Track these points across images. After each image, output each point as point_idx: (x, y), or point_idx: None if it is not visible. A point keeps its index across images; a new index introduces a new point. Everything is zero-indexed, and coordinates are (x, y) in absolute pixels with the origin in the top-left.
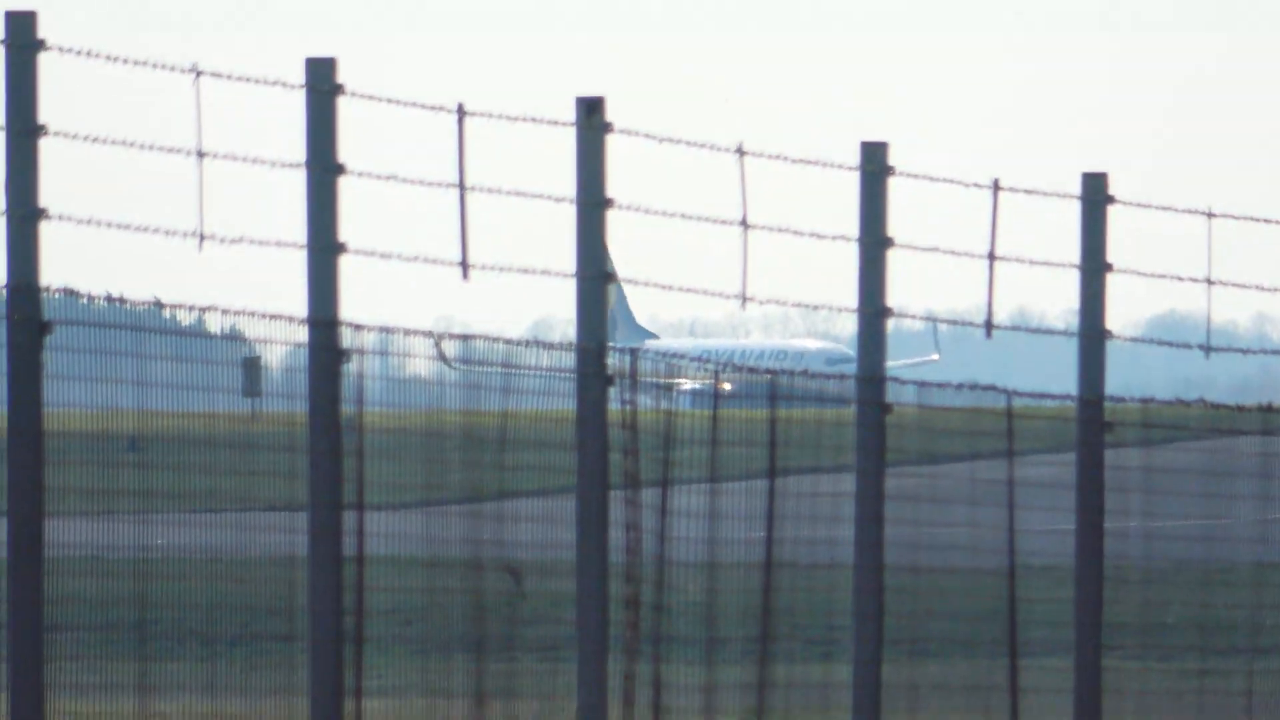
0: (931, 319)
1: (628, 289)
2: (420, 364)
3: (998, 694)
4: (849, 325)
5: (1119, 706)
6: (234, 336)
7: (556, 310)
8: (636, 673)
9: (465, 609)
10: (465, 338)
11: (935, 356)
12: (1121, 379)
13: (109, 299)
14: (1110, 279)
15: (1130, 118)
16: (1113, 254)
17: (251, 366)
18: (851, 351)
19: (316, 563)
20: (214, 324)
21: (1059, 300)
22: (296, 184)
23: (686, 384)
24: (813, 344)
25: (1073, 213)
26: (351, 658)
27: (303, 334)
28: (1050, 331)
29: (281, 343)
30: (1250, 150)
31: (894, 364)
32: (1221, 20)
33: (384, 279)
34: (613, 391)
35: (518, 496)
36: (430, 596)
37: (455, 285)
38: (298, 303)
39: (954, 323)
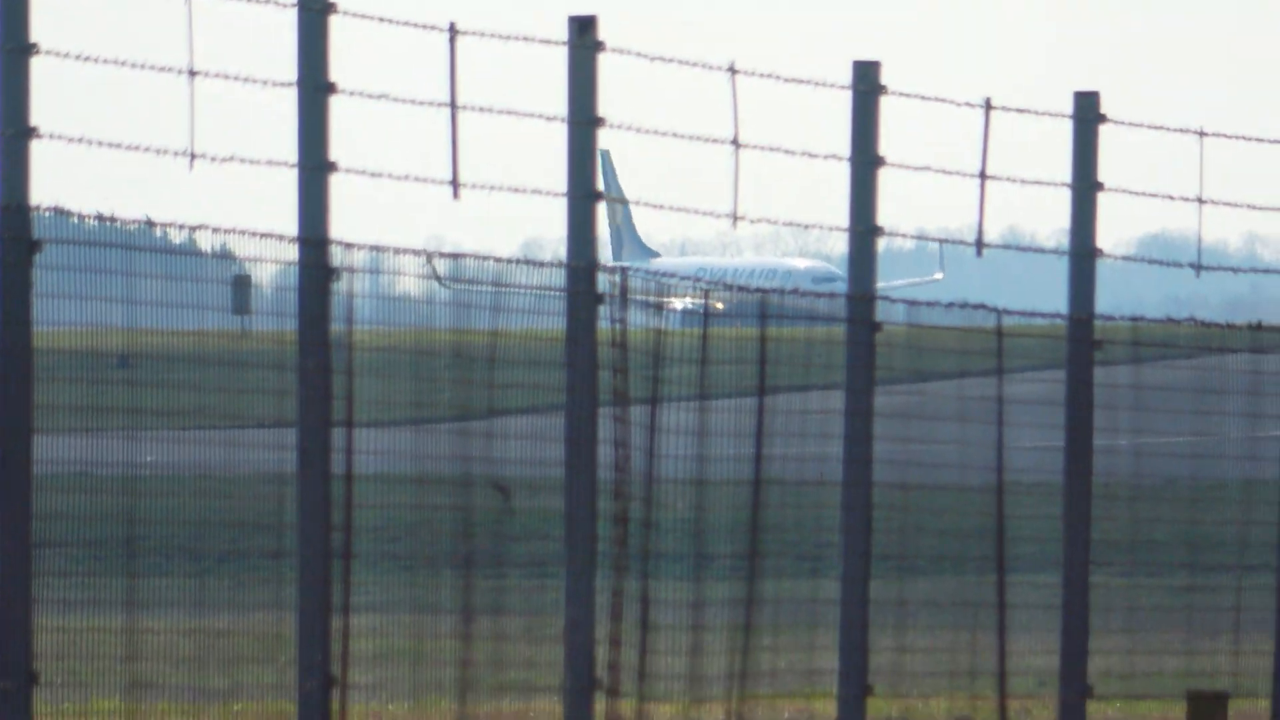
0: (924, 238)
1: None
2: (410, 283)
3: (986, 610)
4: (840, 244)
5: (1107, 622)
6: (224, 255)
7: (547, 231)
8: (624, 589)
9: (453, 526)
10: (456, 256)
11: (939, 275)
12: (1111, 298)
13: (99, 218)
14: (1101, 198)
15: (1124, 38)
16: (1104, 173)
17: (241, 285)
18: (839, 270)
19: (306, 479)
20: (204, 242)
21: (1049, 220)
22: (288, 104)
23: (677, 303)
24: (801, 263)
25: (1065, 132)
26: (340, 574)
27: (293, 252)
28: (1041, 250)
29: (272, 261)
30: (1243, 70)
31: (896, 283)
32: None
33: (375, 199)
34: (603, 310)
35: (507, 414)
36: (419, 513)
37: (446, 205)
38: (288, 222)
39: (945, 241)
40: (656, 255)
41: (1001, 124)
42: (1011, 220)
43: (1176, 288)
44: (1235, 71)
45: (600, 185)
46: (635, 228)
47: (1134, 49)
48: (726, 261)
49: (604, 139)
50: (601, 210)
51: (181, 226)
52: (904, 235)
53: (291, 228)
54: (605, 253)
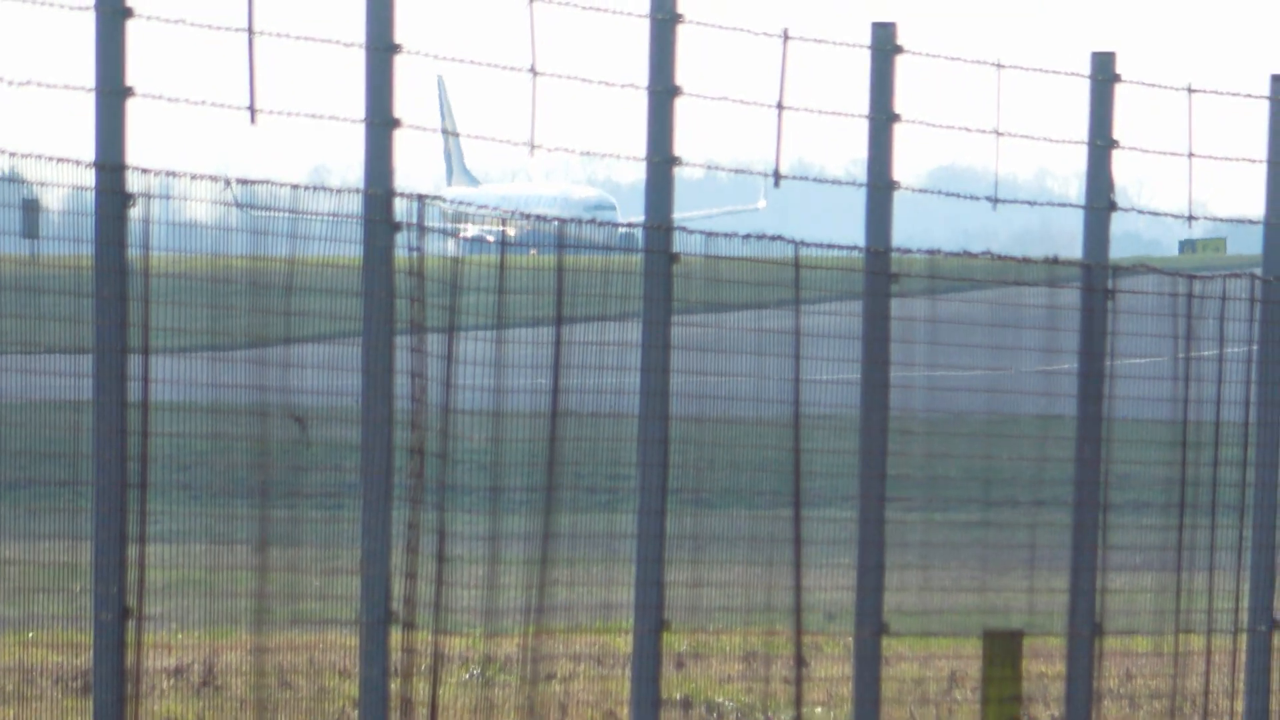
0: (720, 168)
1: (413, 134)
2: (203, 209)
3: (781, 545)
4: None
5: (902, 557)
6: (13, 179)
7: (335, 158)
8: (420, 521)
9: (249, 455)
10: (253, 183)
11: (761, 204)
12: (904, 231)
13: None
14: (896, 129)
15: None
16: (899, 105)
17: (30, 209)
18: (611, 198)
19: (101, 407)
20: None
21: (840, 152)
22: (86, 28)
23: (470, 230)
24: (579, 191)
25: (862, 64)
26: (135, 503)
27: (88, 177)
28: (838, 182)
29: (63, 185)
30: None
31: (715, 211)
32: None
33: (167, 124)
34: (400, 238)
35: (303, 342)
36: (214, 442)
37: (236, 131)
38: (83, 147)
39: (739, 172)
40: (478, 183)
41: (799, 53)
42: (800, 152)
43: (967, 221)
44: (1036, 5)
45: (400, 110)
46: (464, 156)
47: None
48: (518, 189)
49: (402, 66)
50: (399, 136)
51: None
52: (700, 165)
53: (85, 152)
54: (439, 179)
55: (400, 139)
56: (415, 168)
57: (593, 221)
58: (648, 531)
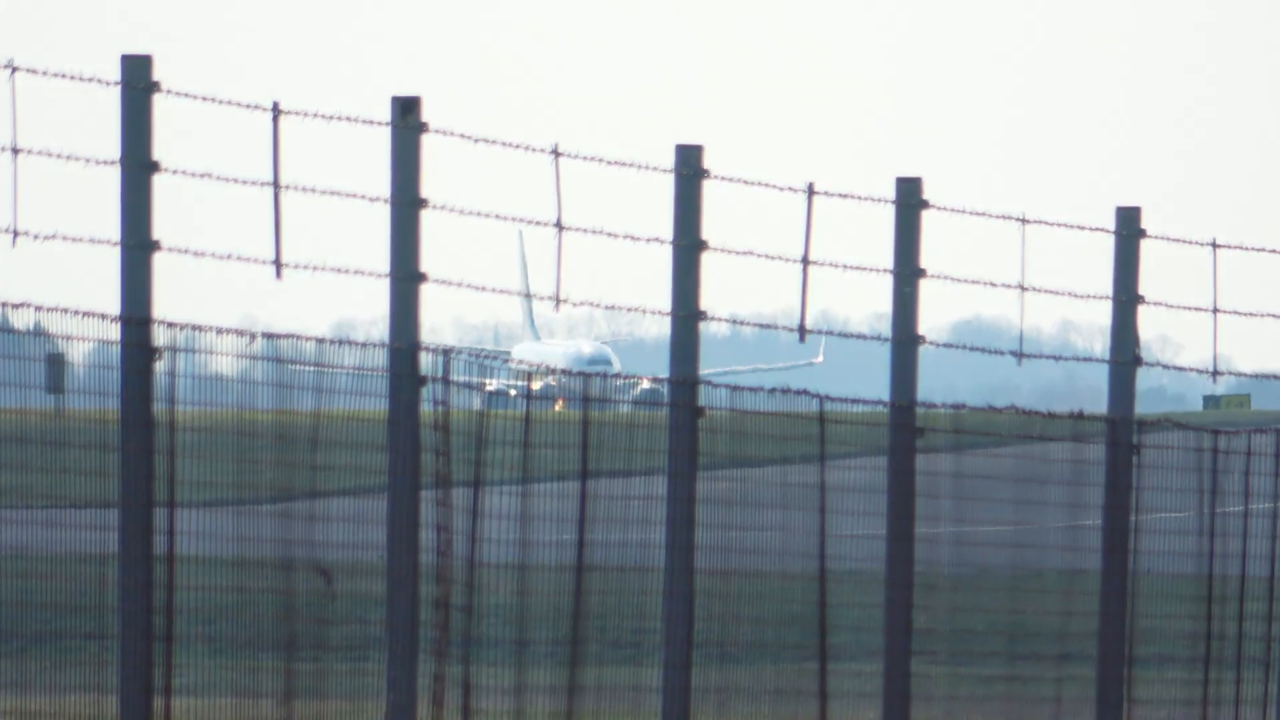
0: (744, 323)
1: (437, 289)
2: (227, 362)
3: (806, 698)
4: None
5: (927, 711)
6: (38, 333)
7: (359, 312)
8: (446, 674)
9: (274, 608)
10: (277, 336)
11: (819, 359)
12: (927, 384)
13: None
14: (920, 283)
15: (945, 123)
16: (921, 259)
17: (55, 363)
18: (608, 351)
19: (127, 560)
20: (20, 321)
21: (863, 305)
22: (112, 182)
23: (490, 385)
24: (587, 346)
25: (885, 218)
26: (161, 656)
27: (111, 331)
28: (863, 336)
29: (87, 339)
30: (1066, 156)
31: (773, 367)
32: (1042, 23)
33: (188, 277)
34: (426, 392)
35: (329, 496)
36: (240, 595)
37: (259, 284)
38: (108, 300)
39: (764, 326)
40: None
41: (824, 207)
42: (825, 305)
43: (990, 375)
44: (1056, 158)
45: (421, 266)
46: (533, 312)
47: (957, 136)
48: (542, 346)
49: (426, 220)
50: (424, 291)
51: (0, 304)
52: (725, 320)
53: (110, 305)
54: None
55: (426, 293)
56: (506, 324)
57: (616, 376)
58: (673, 685)
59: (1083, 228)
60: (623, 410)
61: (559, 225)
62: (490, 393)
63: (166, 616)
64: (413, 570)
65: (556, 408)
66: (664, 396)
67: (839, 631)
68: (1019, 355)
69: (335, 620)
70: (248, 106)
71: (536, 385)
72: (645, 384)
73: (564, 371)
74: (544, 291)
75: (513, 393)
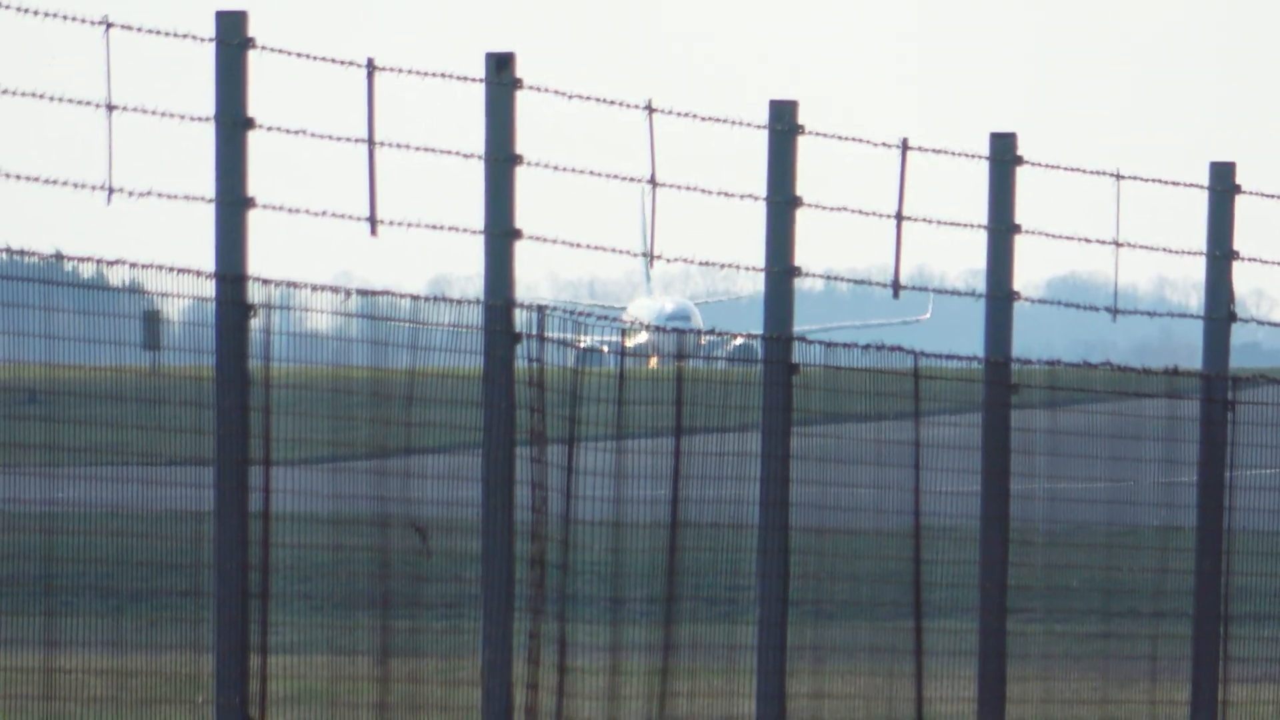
0: (839, 278)
1: (532, 245)
2: (323, 319)
3: (901, 656)
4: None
5: (1023, 669)
6: (134, 290)
7: (456, 268)
8: (541, 631)
9: (370, 566)
10: (372, 293)
11: (926, 315)
12: (1022, 341)
13: (9, 252)
14: (1016, 239)
15: (1041, 78)
16: (1019, 215)
17: (152, 320)
18: (690, 305)
19: (223, 518)
20: (115, 278)
21: (958, 261)
22: (206, 139)
23: (583, 341)
24: (669, 303)
25: (979, 174)
26: (257, 614)
27: (207, 288)
28: (957, 293)
29: (183, 296)
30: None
31: (882, 322)
32: None
33: (284, 234)
34: (520, 349)
35: (424, 453)
36: (335, 553)
37: (355, 241)
38: (202, 257)
39: (859, 282)
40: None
41: (918, 163)
42: (920, 260)
43: (1085, 331)
44: (1151, 113)
45: (515, 222)
46: (649, 271)
47: (1051, 91)
48: (647, 301)
49: (521, 176)
50: (519, 247)
51: (95, 260)
52: (820, 276)
53: (205, 262)
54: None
55: (520, 249)
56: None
57: (711, 332)
58: (769, 643)
59: (1177, 183)
60: (717, 367)
61: (653, 181)
62: (584, 349)
63: (262, 574)
64: (508, 527)
65: (650, 364)
66: (757, 353)
67: (934, 589)
68: (1114, 311)
69: (431, 578)
70: (342, 63)
71: (630, 342)
72: (739, 340)
73: (657, 328)
74: (637, 248)
75: (605, 349)
